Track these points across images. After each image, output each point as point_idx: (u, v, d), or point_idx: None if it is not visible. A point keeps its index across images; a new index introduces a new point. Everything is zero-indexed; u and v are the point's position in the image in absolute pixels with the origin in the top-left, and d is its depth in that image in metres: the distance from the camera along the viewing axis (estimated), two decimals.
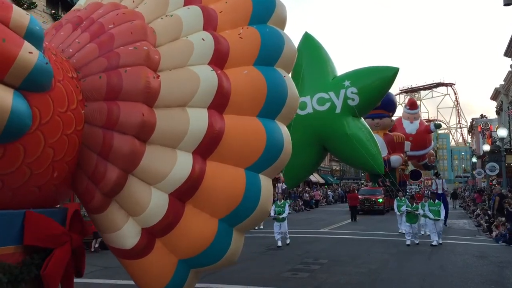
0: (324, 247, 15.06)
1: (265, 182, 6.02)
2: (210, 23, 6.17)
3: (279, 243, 14.91)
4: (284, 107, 6.25)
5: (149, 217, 5.51)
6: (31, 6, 18.39)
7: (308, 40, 17.50)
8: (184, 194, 5.60)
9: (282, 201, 15.85)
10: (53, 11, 19.92)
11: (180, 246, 5.73)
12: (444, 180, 23.89)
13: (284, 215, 15.13)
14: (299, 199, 36.69)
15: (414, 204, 15.58)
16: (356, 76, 16.52)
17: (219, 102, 5.77)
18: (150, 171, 5.46)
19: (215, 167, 5.72)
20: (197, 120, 5.60)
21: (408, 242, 14.91)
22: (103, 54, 5.60)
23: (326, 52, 17.51)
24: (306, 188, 42.95)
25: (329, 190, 49.00)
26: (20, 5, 17.88)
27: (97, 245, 14.78)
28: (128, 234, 5.59)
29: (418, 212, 15.31)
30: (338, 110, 16.27)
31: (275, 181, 31.91)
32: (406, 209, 15.36)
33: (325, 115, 16.34)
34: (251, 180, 5.83)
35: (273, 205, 15.32)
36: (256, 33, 6.27)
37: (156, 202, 5.50)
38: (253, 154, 5.87)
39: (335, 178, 61.77)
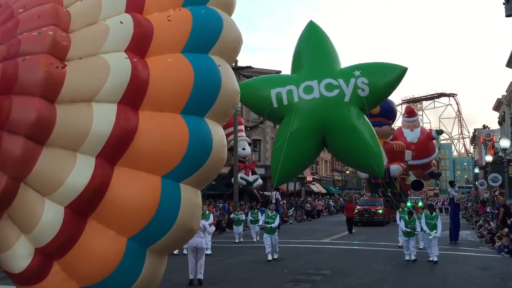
0: (326, 258, 14.97)
1: (187, 193, 5.06)
2: (134, 5, 5.40)
3: (269, 257, 13.92)
4: (217, 102, 5.27)
5: (41, 235, 4.65)
6: None
7: (312, 28, 16.52)
8: (83, 207, 4.72)
9: (274, 212, 14.82)
10: None
11: (80, 270, 4.82)
12: (456, 189, 23.12)
13: (274, 225, 14.22)
14: (300, 209, 36.56)
15: (412, 218, 14.53)
16: (366, 68, 15.54)
17: (133, 96, 4.93)
18: (43, 179, 4.64)
19: (125, 174, 4.86)
20: (102, 117, 4.78)
21: (407, 258, 14.11)
22: (5, 41, 4.89)
23: (331, 43, 16.53)
24: (308, 198, 42.83)
25: (330, 200, 48.84)
26: None
27: None
28: (18, 254, 4.73)
29: (416, 232, 14.32)
30: (347, 99, 15.04)
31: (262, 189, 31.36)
32: (406, 229, 14.23)
33: (333, 101, 15.12)
34: (168, 191, 4.90)
35: (263, 215, 15.01)
36: (188, 15, 5.39)
37: (49, 217, 4.63)
38: (171, 159, 4.93)
39: (337, 188, 61.58)
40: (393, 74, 15.13)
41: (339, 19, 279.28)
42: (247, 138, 31.55)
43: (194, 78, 5.10)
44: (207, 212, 15.75)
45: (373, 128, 15.78)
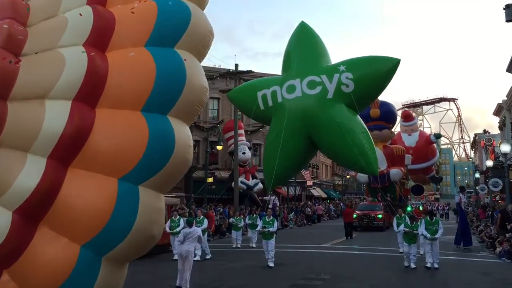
0: (326, 262, 14.93)
1: (147, 197, 4.73)
2: None
3: (270, 264, 13.59)
4: (181, 99, 4.94)
5: None
6: None
7: (303, 28, 15.71)
8: (33, 211, 4.41)
9: (271, 217, 14.60)
10: None
11: (30, 279, 4.50)
12: (466, 196, 22.89)
13: (272, 229, 13.96)
14: (301, 214, 36.51)
15: (414, 223, 14.19)
16: (353, 63, 14.47)
17: (89, 92, 4.64)
18: None
19: (78, 176, 4.55)
20: (54, 115, 4.50)
21: (406, 263, 13.85)
22: None
23: (322, 43, 15.69)
24: (308, 203, 42.78)
25: (331, 205, 48.77)
26: None
27: None
28: None
29: (417, 232, 13.98)
30: (330, 96, 14.04)
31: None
32: (404, 229, 14.04)
33: (315, 99, 14.18)
34: (125, 194, 4.58)
35: (261, 221, 14.89)
36: (153, 7, 5.12)
37: None
38: (129, 160, 4.61)
39: (338, 192, 61.52)
40: (383, 67, 13.91)
41: (340, 25, 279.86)
42: (248, 143, 31.59)
43: (156, 73, 4.80)
44: (201, 217, 15.66)
45: (365, 126, 14.78)
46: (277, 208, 29.92)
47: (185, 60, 5.03)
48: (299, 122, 14.06)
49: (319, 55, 15.00)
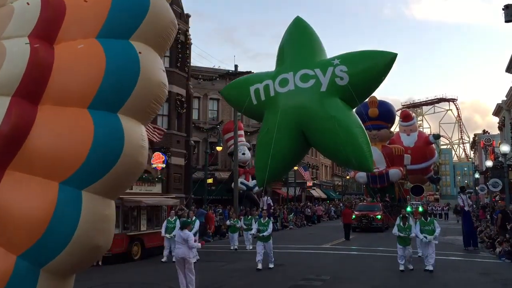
0: (326, 263, 14.92)
1: (92, 203, 4.32)
2: None
3: (259, 265, 13.29)
4: (133, 96, 4.54)
5: None
6: None
7: (298, 23, 15.18)
8: None
9: (266, 219, 14.40)
10: None
11: None
12: (467, 195, 21.74)
13: (266, 233, 13.67)
14: (301, 214, 36.51)
15: (407, 224, 13.76)
16: (348, 56, 13.96)
17: (31, 88, 4.29)
18: None
19: (15, 180, 4.19)
20: None
21: (401, 268, 13.28)
22: None
23: (318, 38, 15.15)
24: (308, 203, 42.79)
25: (331, 205, 48.79)
26: None
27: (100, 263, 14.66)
28: None
29: (411, 235, 13.58)
30: (323, 89, 13.53)
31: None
32: (398, 233, 13.65)
33: (308, 92, 13.67)
34: (66, 200, 4.19)
35: (256, 223, 14.60)
36: None
37: None
38: (72, 162, 4.22)
39: (337, 193, 61.55)
40: (379, 61, 13.46)
41: (340, 26, 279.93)
42: (247, 143, 31.60)
43: (106, 66, 4.40)
44: (193, 218, 15.33)
45: (360, 121, 13.99)
46: (272, 208, 29.66)
47: (140, 53, 4.63)
48: (292, 116, 13.57)
49: (313, 50, 14.57)
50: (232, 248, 18.66)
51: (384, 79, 13.97)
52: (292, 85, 13.88)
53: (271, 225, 14.16)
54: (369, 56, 13.86)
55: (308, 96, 13.66)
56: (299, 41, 14.70)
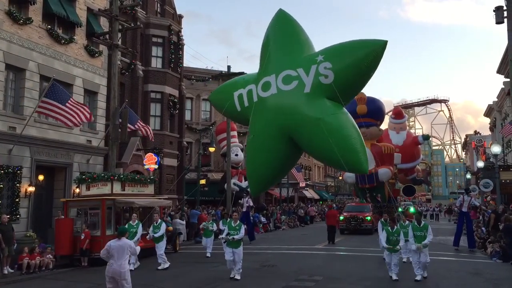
0: (319, 264, 14.95)
1: None
2: None
3: (233, 275, 12.29)
4: None
5: None
6: (26, 22, 18.35)
7: (281, 17, 14.00)
8: None
9: (238, 222, 13.02)
10: (49, 26, 19.83)
11: None
12: (473, 198, 20.88)
13: (237, 237, 12.44)
14: (294, 215, 36.56)
15: (396, 227, 12.67)
16: (333, 50, 12.77)
17: None
18: None
19: None
20: None
21: (391, 274, 12.36)
22: None
23: (303, 31, 14.02)
24: (301, 204, 42.84)
25: (324, 206, 48.91)
26: (16, 20, 17.89)
27: (85, 264, 14.61)
28: None
29: (398, 247, 12.44)
30: (307, 90, 12.47)
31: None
32: (385, 245, 12.47)
33: (291, 95, 12.68)
34: None
35: (225, 226, 13.24)
36: None
37: None
38: None
39: (330, 194, 61.69)
40: (368, 52, 12.20)
41: (337, 28, 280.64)
42: (240, 144, 31.55)
43: None
44: (159, 221, 14.83)
45: (354, 121, 12.76)
46: (253, 209, 28.58)
47: None
48: (277, 122, 12.69)
49: (298, 45, 13.44)
50: (208, 255, 16.81)
51: (374, 72, 12.76)
52: (275, 88, 12.96)
53: (243, 230, 12.88)
54: (356, 47, 12.57)
55: (292, 99, 12.69)
56: (282, 38, 13.64)
